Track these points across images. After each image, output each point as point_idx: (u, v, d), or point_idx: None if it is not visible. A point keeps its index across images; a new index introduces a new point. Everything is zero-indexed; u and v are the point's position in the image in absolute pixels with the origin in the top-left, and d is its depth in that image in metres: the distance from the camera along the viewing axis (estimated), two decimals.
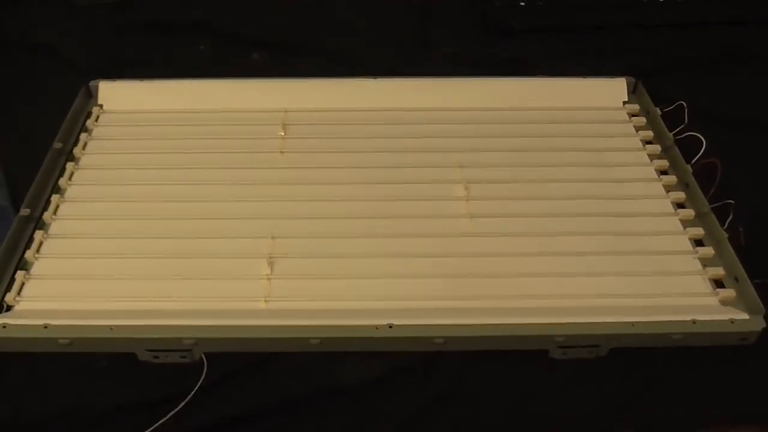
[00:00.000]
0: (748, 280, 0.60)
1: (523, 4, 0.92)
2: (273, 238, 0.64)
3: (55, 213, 0.66)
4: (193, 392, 0.54)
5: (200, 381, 0.55)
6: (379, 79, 0.79)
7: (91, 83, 0.79)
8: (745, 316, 0.58)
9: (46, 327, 0.56)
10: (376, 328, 0.57)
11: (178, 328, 0.56)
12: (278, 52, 0.88)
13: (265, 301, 0.59)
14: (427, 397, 0.57)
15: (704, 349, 0.58)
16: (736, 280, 0.61)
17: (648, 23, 0.92)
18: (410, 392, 0.57)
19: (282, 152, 0.73)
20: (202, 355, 0.57)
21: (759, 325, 0.57)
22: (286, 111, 0.77)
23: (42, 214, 0.66)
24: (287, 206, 0.67)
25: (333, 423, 0.56)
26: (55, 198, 0.67)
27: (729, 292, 0.60)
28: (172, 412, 0.54)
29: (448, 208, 0.67)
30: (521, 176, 0.70)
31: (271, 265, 0.62)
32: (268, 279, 0.61)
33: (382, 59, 0.87)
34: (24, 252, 0.63)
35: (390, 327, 0.57)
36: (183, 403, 0.54)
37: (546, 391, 0.57)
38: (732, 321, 0.58)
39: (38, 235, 0.64)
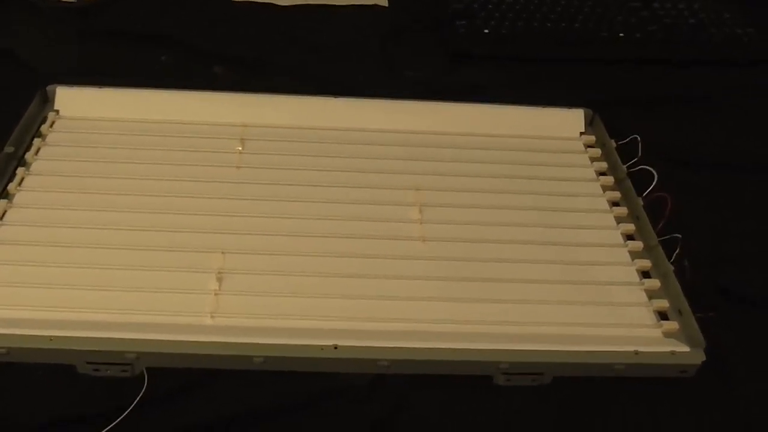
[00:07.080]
0: (692, 314, 0.61)
1: (486, 31, 0.93)
2: (223, 253, 0.63)
3: (1, 218, 0.65)
4: (130, 408, 0.53)
5: (139, 396, 0.54)
6: (340, 99, 0.79)
7: (48, 88, 0.77)
8: (686, 348, 0.59)
9: None
10: (321, 348, 0.56)
11: (120, 341, 0.55)
12: (241, 68, 0.87)
13: (212, 316, 0.58)
14: (372, 419, 0.56)
15: (650, 381, 0.59)
16: (680, 313, 0.62)
17: (608, 58, 0.93)
18: (354, 412, 0.56)
19: (238, 167, 0.72)
20: (144, 370, 0.56)
21: (699, 358, 0.58)
22: (245, 126, 0.77)
23: None
24: (239, 221, 0.66)
25: None
26: (2, 203, 0.66)
27: (672, 325, 0.61)
28: (108, 427, 0.52)
29: (401, 230, 0.67)
30: (475, 202, 0.71)
31: (219, 280, 0.61)
32: (216, 294, 0.60)
33: (346, 80, 0.86)
34: None
35: (335, 348, 0.57)
36: (119, 419, 0.53)
37: (490, 417, 0.57)
38: (673, 353, 0.58)
39: None
